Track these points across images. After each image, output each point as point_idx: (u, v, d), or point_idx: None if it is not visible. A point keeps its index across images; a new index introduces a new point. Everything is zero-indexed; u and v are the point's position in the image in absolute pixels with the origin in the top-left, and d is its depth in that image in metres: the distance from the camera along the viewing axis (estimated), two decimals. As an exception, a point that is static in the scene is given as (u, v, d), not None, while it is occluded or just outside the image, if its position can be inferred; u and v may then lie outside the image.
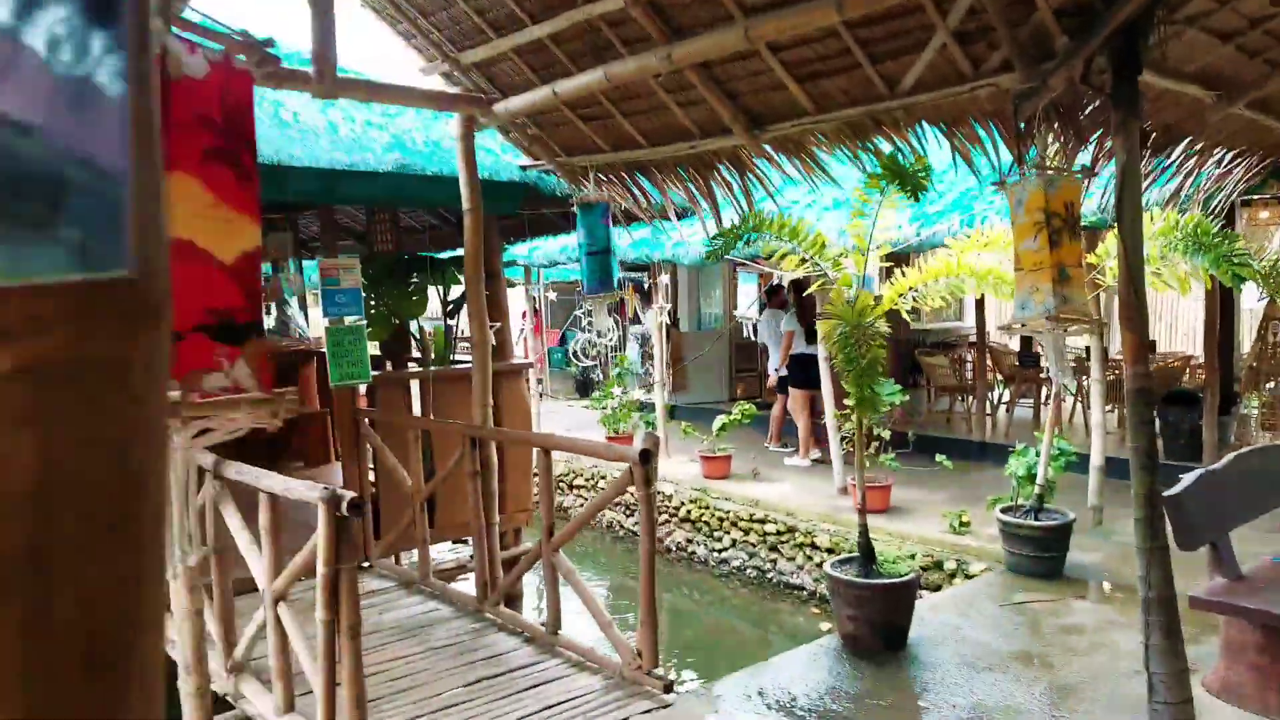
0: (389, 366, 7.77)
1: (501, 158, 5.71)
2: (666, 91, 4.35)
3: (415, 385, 6.57)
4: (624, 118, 4.72)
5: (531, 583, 8.49)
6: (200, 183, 1.66)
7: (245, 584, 5.18)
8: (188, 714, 3.74)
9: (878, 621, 4.42)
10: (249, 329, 1.78)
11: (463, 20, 4.60)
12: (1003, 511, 6.03)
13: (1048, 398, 9.02)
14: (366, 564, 5.78)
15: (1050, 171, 3.25)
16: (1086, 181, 3.94)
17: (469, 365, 6.72)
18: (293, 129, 4.95)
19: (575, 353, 16.59)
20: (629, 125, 4.75)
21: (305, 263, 9.74)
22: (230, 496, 3.96)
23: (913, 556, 6.94)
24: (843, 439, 8.19)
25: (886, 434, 7.71)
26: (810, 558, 7.80)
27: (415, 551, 5.40)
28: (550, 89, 4.39)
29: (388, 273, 6.31)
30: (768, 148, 4.43)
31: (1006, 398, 11.01)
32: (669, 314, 12.85)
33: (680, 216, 5.74)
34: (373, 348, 8.89)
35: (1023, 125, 3.48)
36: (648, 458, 3.91)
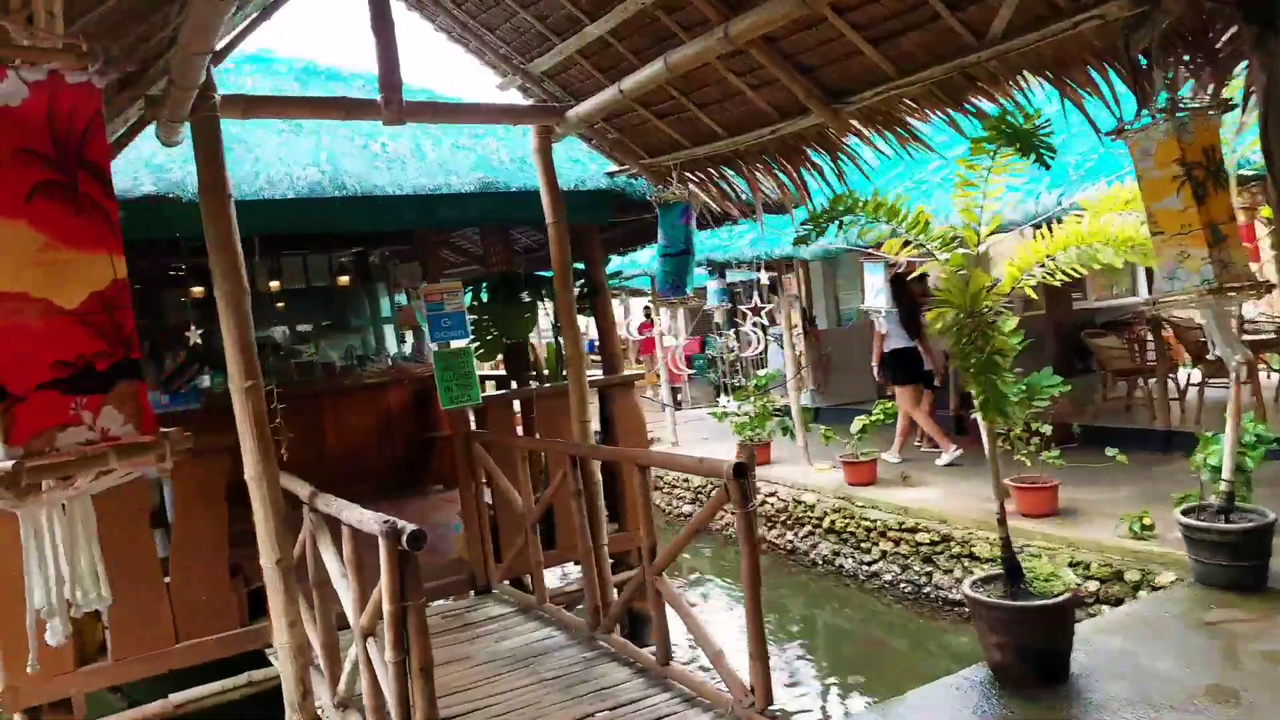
0: (513, 385, 7.81)
1: (589, 166, 5.56)
2: (737, 75, 4.04)
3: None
4: (699, 110, 4.44)
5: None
6: (26, 225, 1.53)
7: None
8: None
9: (1030, 650, 3.87)
10: (117, 373, 1.64)
11: (526, 29, 4.49)
12: (1184, 513, 5.23)
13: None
14: (489, 589, 5.75)
15: (1182, 113, 2.69)
16: (1241, 117, 3.30)
17: (595, 377, 6.62)
18: (380, 159, 4.99)
19: (708, 359, 16.21)
20: (705, 117, 4.47)
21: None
22: (326, 529, 3.96)
23: (1085, 567, 6.23)
24: (999, 436, 7.47)
25: (1047, 429, 6.95)
26: (969, 570, 7.13)
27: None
28: (616, 88, 4.18)
29: (495, 293, 6.30)
30: (855, 123, 4.03)
31: (1197, 379, 9.76)
32: (804, 311, 12.36)
33: (774, 210, 5.37)
34: (497, 368, 9.01)
35: (1143, 60, 2.95)
36: (742, 472, 3.59)
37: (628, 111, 4.73)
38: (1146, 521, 6.25)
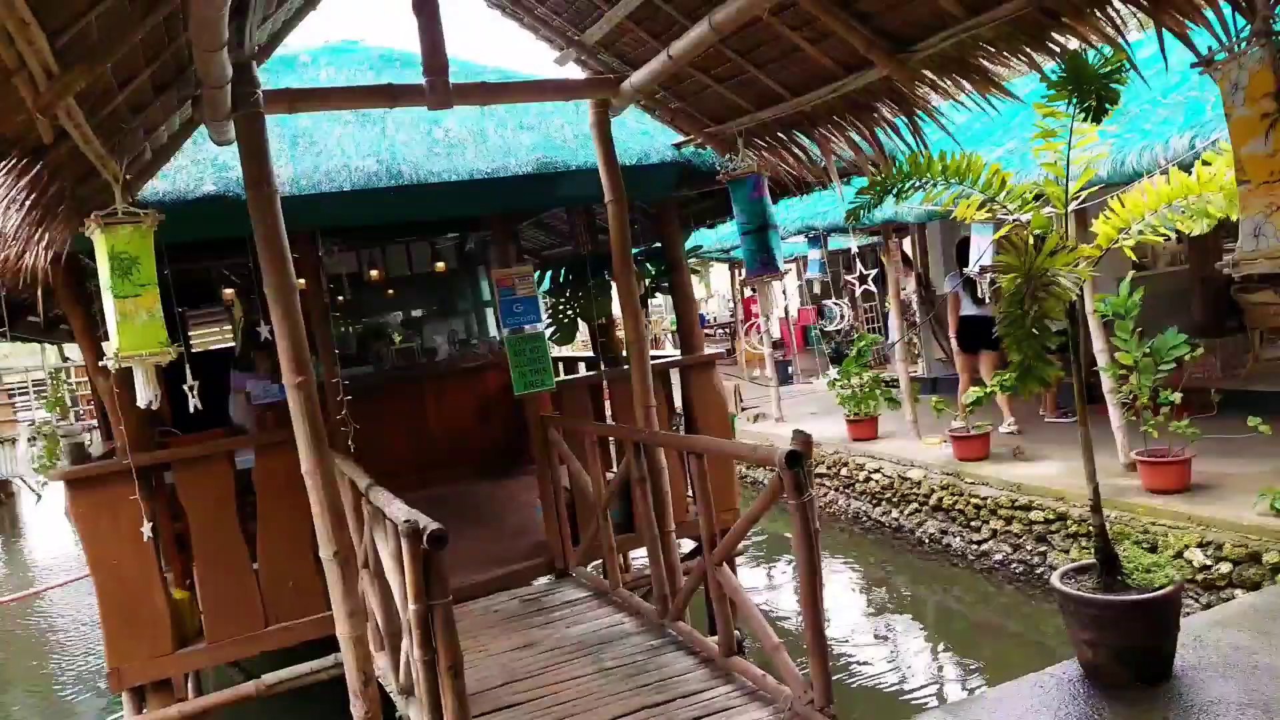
0: (602, 366, 7.72)
1: (656, 139, 5.33)
2: (792, 29, 3.72)
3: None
4: (759, 71, 4.14)
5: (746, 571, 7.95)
6: None
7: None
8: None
9: (1125, 648, 3.47)
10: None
11: (576, -2, 4.30)
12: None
13: None
14: (568, 573, 5.70)
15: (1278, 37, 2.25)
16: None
17: (661, 359, 6.47)
18: (440, 145, 4.93)
19: (820, 330, 15.66)
20: (766, 78, 4.17)
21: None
22: (382, 520, 3.96)
23: (1218, 547, 5.64)
24: (1124, 405, 6.84)
25: (1176, 396, 6.30)
26: (1087, 550, 6.61)
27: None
28: (665, 54, 3.95)
29: (570, 275, 6.19)
30: (928, 74, 3.65)
31: (1367, 336, 8.70)
32: (919, 277, 11.74)
33: (856, 174, 5.01)
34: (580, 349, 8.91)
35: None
36: (796, 460, 3.33)
37: (686, 78, 4.48)
38: (1290, 498, 5.61)
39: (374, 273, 9.05)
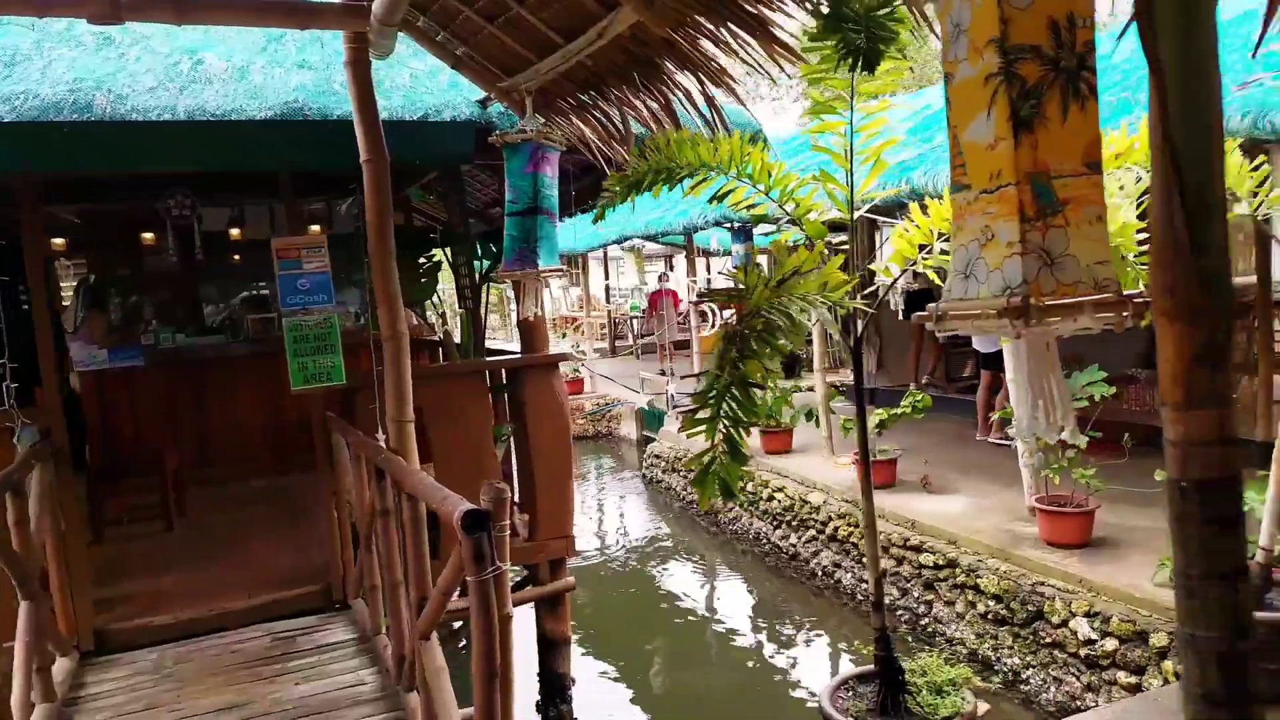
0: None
1: (461, 93, 4.40)
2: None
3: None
4: (519, 5, 3.24)
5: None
6: None
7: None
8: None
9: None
10: None
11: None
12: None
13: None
14: (346, 604, 4.85)
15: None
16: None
17: (497, 358, 5.59)
18: (179, 78, 3.97)
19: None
20: (530, 16, 3.27)
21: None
22: None
23: (1104, 620, 4.83)
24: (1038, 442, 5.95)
25: (1082, 440, 5.42)
26: (973, 605, 5.79)
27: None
28: (395, -27, 3.04)
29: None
30: (703, 21, 2.75)
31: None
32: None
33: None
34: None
35: None
36: (478, 523, 2.48)
37: (457, 15, 3.58)
38: (1194, 573, 4.77)
39: (235, 232, 8.12)
